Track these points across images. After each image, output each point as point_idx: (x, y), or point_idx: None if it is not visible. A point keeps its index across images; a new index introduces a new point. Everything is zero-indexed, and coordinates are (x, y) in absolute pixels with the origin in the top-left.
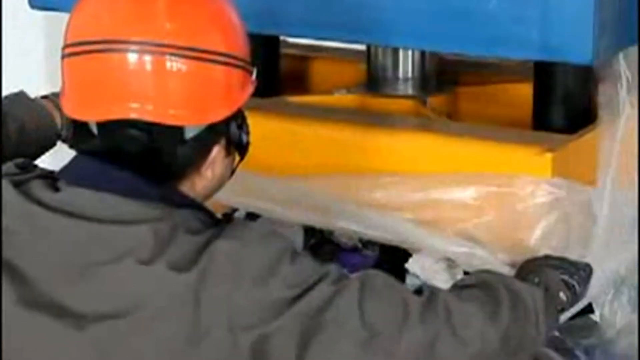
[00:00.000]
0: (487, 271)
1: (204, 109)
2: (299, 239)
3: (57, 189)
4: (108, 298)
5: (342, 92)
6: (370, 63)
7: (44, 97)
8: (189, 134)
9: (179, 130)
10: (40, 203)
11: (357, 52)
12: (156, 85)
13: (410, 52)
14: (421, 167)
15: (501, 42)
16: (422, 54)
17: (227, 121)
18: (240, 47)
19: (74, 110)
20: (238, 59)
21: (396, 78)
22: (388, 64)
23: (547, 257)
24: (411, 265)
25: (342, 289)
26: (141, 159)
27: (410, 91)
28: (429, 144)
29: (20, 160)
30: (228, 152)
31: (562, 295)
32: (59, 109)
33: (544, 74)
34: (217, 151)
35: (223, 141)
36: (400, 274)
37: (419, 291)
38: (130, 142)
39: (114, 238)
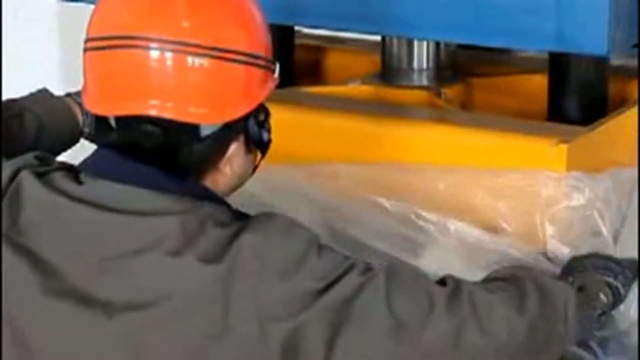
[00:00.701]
0: (515, 266)
1: (223, 107)
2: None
3: (80, 182)
4: (135, 289)
5: (356, 83)
6: (384, 54)
7: (68, 94)
8: (206, 131)
9: (195, 127)
10: (65, 194)
11: (372, 43)
12: (176, 83)
13: (424, 43)
14: (435, 157)
15: (516, 33)
16: (437, 45)
17: (245, 118)
18: (262, 45)
19: (93, 104)
20: (259, 58)
21: (411, 69)
22: (403, 55)
23: (592, 256)
24: (428, 261)
25: (369, 280)
26: (159, 155)
27: (424, 82)
28: (443, 135)
29: (38, 152)
30: (248, 150)
31: (602, 296)
32: (81, 106)
33: (558, 65)
34: (234, 148)
35: (242, 138)
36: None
37: (442, 282)
38: (146, 138)
39: (141, 229)
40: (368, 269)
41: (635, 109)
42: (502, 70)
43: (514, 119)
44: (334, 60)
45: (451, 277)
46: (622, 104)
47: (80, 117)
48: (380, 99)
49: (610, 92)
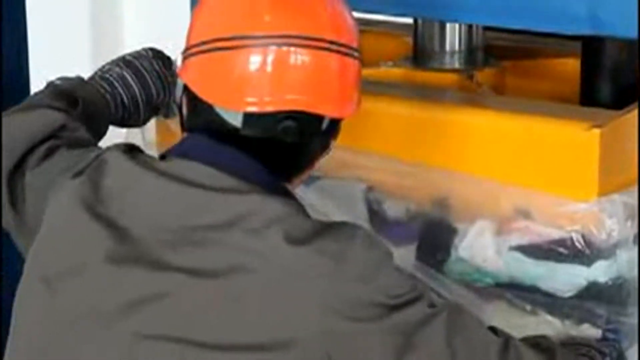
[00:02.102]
0: (552, 342)
1: (346, 102)
2: (362, 208)
3: (165, 160)
4: (211, 260)
5: (388, 66)
6: (416, 36)
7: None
8: (324, 125)
9: (320, 122)
10: (148, 166)
11: (404, 26)
12: (316, 78)
13: (457, 26)
14: (467, 141)
15: (549, 16)
16: (469, 27)
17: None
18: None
19: (238, 103)
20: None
21: (443, 52)
22: (435, 37)
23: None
24: (461, 250)
25: (435, 314)
26: (272, 147)
27: (456, 65)
28: (474, 118)
29: (127, 142)
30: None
31: None
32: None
33: (591, 49)
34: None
35: (333, 142)
36: (445, 249)
37: (493, 330)
38: (285, 134)
39: (224, 204)
40: (433, 302)
41: None
42: (534, 54)
43: (547, 102)
44: (366, 43)
45: (500, 329)
46: None
47: (112, 105)
48: (412, 82)
49: None
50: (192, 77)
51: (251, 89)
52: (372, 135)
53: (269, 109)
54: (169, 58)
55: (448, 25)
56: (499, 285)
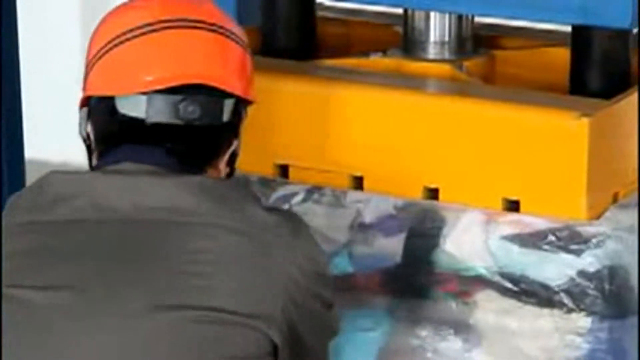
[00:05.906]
0: None
1: (247, 85)
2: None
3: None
4: (171, 236)
5: (377, 56)
6: (406, 26)
7: None
8: (225, 116)
9: (221, 108)
10: (84, 172)
11: (394, 16)
12: (220, 58)
13: (446, 16)
14: (456, 131)
15: (540, 6)
16: (459, 17)
17: (241, 120)
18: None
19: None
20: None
21: (432, 42)
22: (424, 27)
23: None
24: (449, 245)
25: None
26: (180, 137)
27: (446, 55)
28: (464, 108)
29: None
30: (230, 160)
31: None
32: None
33: (581, 38)
34: (235, 146)
35: (236, 142)
36: (434, 240)
37: None
38: (188, 111)
39: (159, 185)
40: None
41: None
42: (524, 43)
43: (536, 92)
44: (355, 33)
45: None
46: None
47: None
48: (402, 72)
49: (632, 65)
50: (92, 85)
51: (146, 70)
52: (360, 124)
53: (171, 84)
54: None
55: (437, 16)
56: (489, 274)
